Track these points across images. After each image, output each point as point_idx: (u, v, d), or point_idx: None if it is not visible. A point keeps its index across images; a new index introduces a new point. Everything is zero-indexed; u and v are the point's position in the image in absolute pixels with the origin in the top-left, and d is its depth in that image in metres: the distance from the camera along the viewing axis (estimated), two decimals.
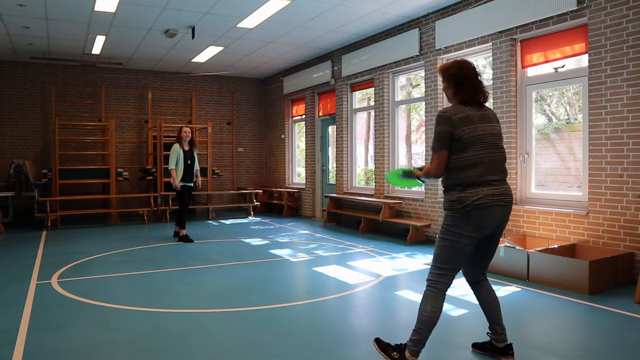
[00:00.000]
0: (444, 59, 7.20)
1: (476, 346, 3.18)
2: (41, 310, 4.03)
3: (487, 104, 2.96)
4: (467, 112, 2.78)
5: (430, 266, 2.88)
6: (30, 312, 3.96)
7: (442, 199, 2.92)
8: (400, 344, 2.87)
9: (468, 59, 3.09)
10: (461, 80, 2.85)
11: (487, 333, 3.08)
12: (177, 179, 7.28)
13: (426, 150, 7.41)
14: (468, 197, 2.71)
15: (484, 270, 3.02)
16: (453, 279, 2.82)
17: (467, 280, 3.07)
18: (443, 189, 2.90)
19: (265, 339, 3.36)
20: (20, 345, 3.25)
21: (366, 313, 4.06)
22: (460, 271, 2.94)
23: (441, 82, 3.00)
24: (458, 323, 3.73)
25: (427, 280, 2.85)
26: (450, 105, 2.91)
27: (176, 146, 7.37)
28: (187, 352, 3.14)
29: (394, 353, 2.83)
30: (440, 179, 2.90)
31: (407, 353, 2.80)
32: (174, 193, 7.78)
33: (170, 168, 7.29)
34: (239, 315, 3.91)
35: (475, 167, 2.75)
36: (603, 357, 3.06)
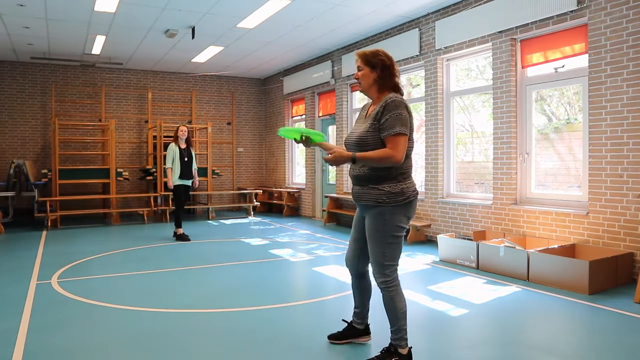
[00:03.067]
0: (444, 59, 7.20)
1: (334, 337, 3.23)
2: (41, 310, 4.03)
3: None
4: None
5: (378, 268, 2.81)
6: (30, 312, 3.96)
7: (370, 192, 2.74)
8: (389, 349, 2.85)
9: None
10: (389, 68, 2.84)
11: (345, 320, 3.26)
12: (171, 178, 7.42)
13: (426, 150, 7.41)
14: (409, 187, 2.75)
15: (369, 261, 3.04)
16: None
17: (354, 273, 3.12)
18: (374, 178, 2.73)
19: (265, 339, 3.36)
20: (20, 345, 3.25)
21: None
22: (348, 265, 3.10)
23: (368, 68, 2.82)
24: (458, 323, 3.73)
25: (385, 282, 2.80)
26: (392, 93, 2.81)
27: (172, 145, 7.54)
28: (187, 352, 3.14)
29: (394, 359, 2.83)
30: (364, 168, 2.73)
31: (403, 350, 2.83)
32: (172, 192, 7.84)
33: (167, 167, 7.44)
34: (239, 315, 3.91)
35: (410, 157, 2.80)
36: (603, 357, 3.06)
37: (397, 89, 2.86)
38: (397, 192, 2.71)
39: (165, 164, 7.59)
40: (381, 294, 2.87)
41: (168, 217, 9.96)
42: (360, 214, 2.99)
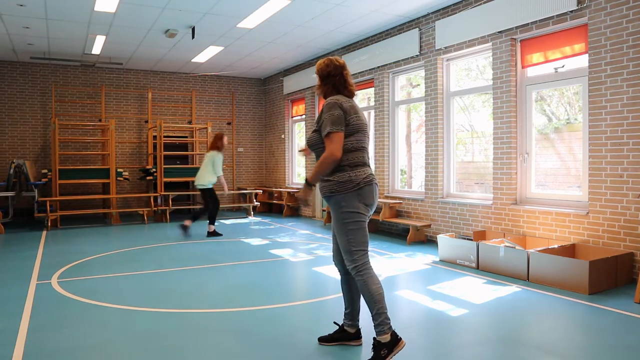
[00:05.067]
0: (444, 59, 7.21)
1: (324, 339, 3.27)
2: (41, 310, 4.03)
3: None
4: (350, 102, 3.01)
5: (347, 255, 2.95)
6: (30, 312, 3.96)
7: (325, 184, 2.97)
8: (373, 344, 2.90)
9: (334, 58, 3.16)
10: (333, 75, 3.07)
11: (336, 323, 3.33)
12: (225, 184, 8.05)
13: (426, 150, 7.41)
14: (358, 175, 2.93)
15: None
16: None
17: (341, 269, 3.23)
18: (326, 173, 2.96)
19: (265, 339, 3.36)
20: (20, 345, 3.25)
21: (366, 313, 4.06)
22: (335, 263, 3.23)
23: (317, 76, 3.14)
24: (458, 323, 3.73)
25: (356, 267, 2.93)
26: (336, 95, 3.04)
27: (219, 153, 7.99)
28: (186, 352, 3.14)
29: (382, 352, 2.86)
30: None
31: (385, 337, 2.87)
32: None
33: (221, 174, 7.96)
34: (239, 315, 3.91)
35: (358, 150, 2.99)
36: (603, 357, 3.06)
37: (345, 93, 3.06)
38: (345, 180, 2.90)
39: (217, 171, 7.91)
40: (356, 282, 2.97)
41: (168, 217, 9.97)
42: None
